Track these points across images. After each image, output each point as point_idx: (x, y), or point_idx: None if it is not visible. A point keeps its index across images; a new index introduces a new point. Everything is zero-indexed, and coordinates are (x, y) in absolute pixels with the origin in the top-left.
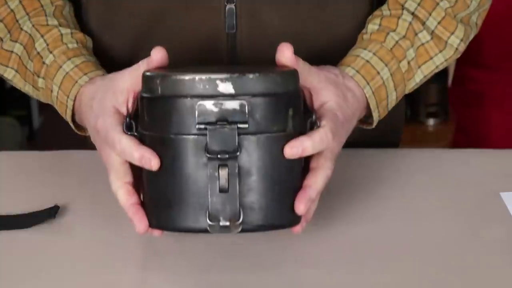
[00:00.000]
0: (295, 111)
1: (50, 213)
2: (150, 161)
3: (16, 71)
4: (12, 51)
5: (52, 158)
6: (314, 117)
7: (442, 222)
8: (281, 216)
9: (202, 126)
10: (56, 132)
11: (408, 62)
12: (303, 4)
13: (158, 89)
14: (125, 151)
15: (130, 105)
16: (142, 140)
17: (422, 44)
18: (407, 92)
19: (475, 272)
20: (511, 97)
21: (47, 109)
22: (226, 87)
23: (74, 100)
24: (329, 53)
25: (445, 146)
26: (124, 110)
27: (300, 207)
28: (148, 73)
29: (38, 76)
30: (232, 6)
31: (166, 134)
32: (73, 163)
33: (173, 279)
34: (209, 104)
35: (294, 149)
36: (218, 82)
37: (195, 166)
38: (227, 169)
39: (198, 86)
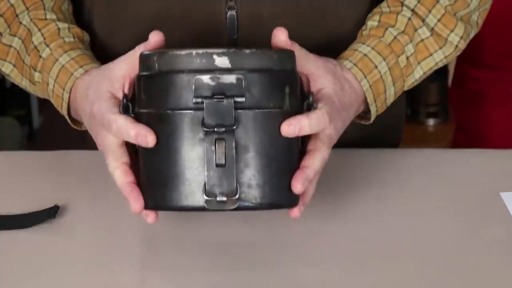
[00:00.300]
0: (291, 89)
1: (50, 213)
2: (146, 137)
3: (14, 65)
4: (10, 45)
5: (52, 158)
6: (311, 99)
7: (442, 222)
8: (278, 194)
9: (199, 100)
10: (56, 132)
11: (407, 58)
12: (304, 9)
13: (155, 66)
14: (121, 130)
15: (126, 89)
16: (139, 119)
17: (422, 40)
18: (406, 88)
19: (475, 272)
20: (511, 97)
21: (47, 109)
22: (222, 61)
23: (70, 93)
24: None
25: (445, 146)
26: (120, 95)
27: (297, 185)
28: (145, 52)
29: (35, 70)
30: (234, 12)
31: (163, 110)
32: (73, 163)
33: (173, 279)
34: (206, 78)
35: (292, 126)
36: (214, 56)
37: (192, 142)
38: (224, 143)
39: (195, 60)
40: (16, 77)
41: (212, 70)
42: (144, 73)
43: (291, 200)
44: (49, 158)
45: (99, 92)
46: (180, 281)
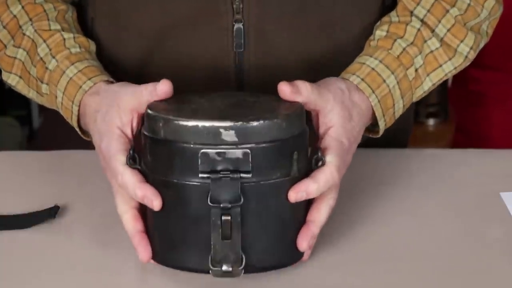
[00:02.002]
0: (300, 153)
1: (50, 213)
2: (152, 201)
3: (20, 77)
4: (15, 57)
5: (52, 158)
6: (319, 154)
7: (442, 222)
8: (284, 256)
9: (205, 175)
10: (56, 132)
11: (416, 70)
12: (311, 23)
13: (160, 132)
14: (127, 187)
15: (134, 125)
16: (146, 175)
17: (432, 51)
18: (414, 100)
19: (475, 272)
20: (511, 97)
21: (47, 109)
22: (229, 136)
23: (79, 106)
24: (337, 73)
25: (445, 146)
26: (128, 132)
27: (303, 244)
28: (151, 112)
29: (42, 82)
30: (240, 25)
31: (169, 178)
32: (73, 163)
33: (173, 279)
34: (212, 153)
35: (299, 193)
36: (221, 130)
37: (198, 211)
38: (229, 218)
39: (201, 133)
40: (23, 89)
41: (219, 144)
42: (150, 135)
43: (296, 256)
44: (49, 158)
45: (107, 124)
46: (180, 281)
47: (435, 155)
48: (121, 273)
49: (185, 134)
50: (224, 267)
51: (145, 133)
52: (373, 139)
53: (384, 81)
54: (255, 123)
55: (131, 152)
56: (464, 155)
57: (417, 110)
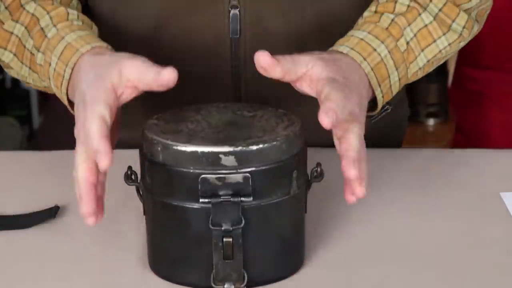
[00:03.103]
0: (299, 171)
1: (50, 213)
2: (101, 161)
3: (14, 54)
4: (12, 32)
5: (52, 158)
6: (319, 169)
7: (442, 222)
8: (285, 269)
9: (206, 200)
10: (56, 132)
11: (407, 42)
12: (307, 9)
13: (159, 156)
14: (89, 134)
15: (124, 95)
16: (145, 194)
17: (426, 25)
18: (411, 77)
19: (475, 271)
20: (511, 97)
21: (47, 109)
22: (229, 161)
23: (73, 68)
24: None
25: (445, 146)
26: (119, 92)
27: (350, 171)
28: (149, 135)
29: (38, 51)
30: (237, 11)
31: (169, 200)
32: (73, 163)
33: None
34: (212, 178)
35: (330, 112)
36: (221, 156)
37: (200, 232)
38: (231, 239)
39: (200, 159)
40: (15, 66)
41: (218, 169)
42: (148, 157)
43: (296, 268)
44: (49, 158)
45: (102, 76)
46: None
47: (435, 155)
48: (121, 273)
49: (184, 159)
50: (227, 285)
51: (144, 153)
52: (367, 137)
53: (375, 49)
54: (254, 147)
55: (128, 172)
56: (464, 155)
57: (417, 110)
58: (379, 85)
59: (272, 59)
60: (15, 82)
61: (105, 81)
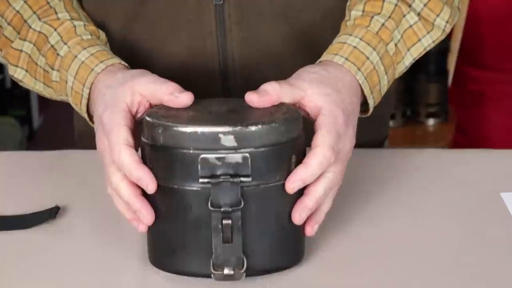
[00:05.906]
0: (298, 156)
1: (51, 214)
2: (148, 185)
3: (26, 71)
4: (21, 50)
5: (52, 158)
6: None
7: (442, 222)
8: (284, 258)
9: (205, 180)
10: (56, 132)
11: (395, 45)
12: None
13: (160, 138)
14: (123, 165)
15: (140, 111)
16: None
17: (411, 26)
18: (397, 76)
19: (475, 272)
20: (511, 97)
21: (47, 109)
22: (228, 140)
23: (90, 89)
24: (316, 27)
25: (445, 146)
26: (134, 111)
27: (295, 216)
28: (149, 120)
29: (53, 69)
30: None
31: (169, 184)
32: (73, 163)
33: (173, 279)
34: (211, 158)
35: (295, 183)
36: (220, 135)
37: (199, 216)
38: (230, 221)
39: (200, 139)
40: (29, 82)
41: (218, 149)
42: (149, 142)
43: (297, 258)
44: (49, 158)
45: (116, 97)
46: (180, 281)
47: (435, 155)
48: (121, 273)
49: (184, 140)
50: (226, 271)
51: (144, 140)
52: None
53: (368, 58)
54: (253, 128)
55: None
56: (464, 155)
57: (417, 110)
58: (372, 92)
59: (260, 97)
60: (15, 82)
61: (119, 102)
